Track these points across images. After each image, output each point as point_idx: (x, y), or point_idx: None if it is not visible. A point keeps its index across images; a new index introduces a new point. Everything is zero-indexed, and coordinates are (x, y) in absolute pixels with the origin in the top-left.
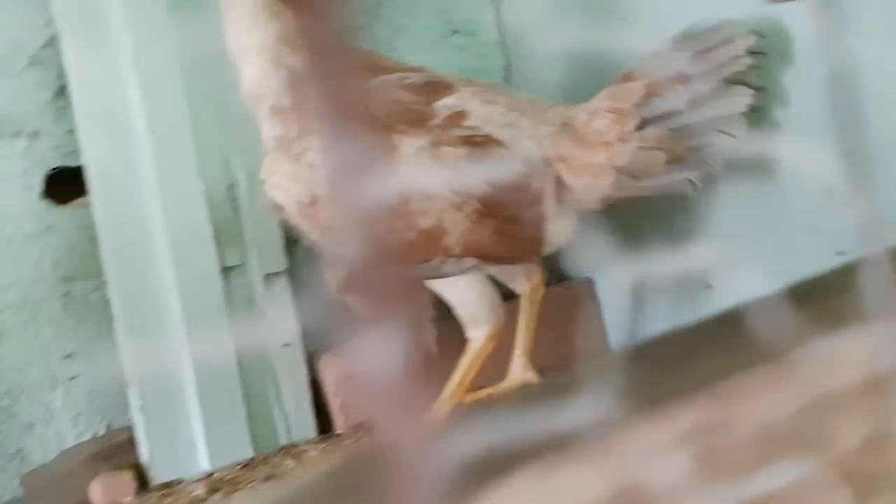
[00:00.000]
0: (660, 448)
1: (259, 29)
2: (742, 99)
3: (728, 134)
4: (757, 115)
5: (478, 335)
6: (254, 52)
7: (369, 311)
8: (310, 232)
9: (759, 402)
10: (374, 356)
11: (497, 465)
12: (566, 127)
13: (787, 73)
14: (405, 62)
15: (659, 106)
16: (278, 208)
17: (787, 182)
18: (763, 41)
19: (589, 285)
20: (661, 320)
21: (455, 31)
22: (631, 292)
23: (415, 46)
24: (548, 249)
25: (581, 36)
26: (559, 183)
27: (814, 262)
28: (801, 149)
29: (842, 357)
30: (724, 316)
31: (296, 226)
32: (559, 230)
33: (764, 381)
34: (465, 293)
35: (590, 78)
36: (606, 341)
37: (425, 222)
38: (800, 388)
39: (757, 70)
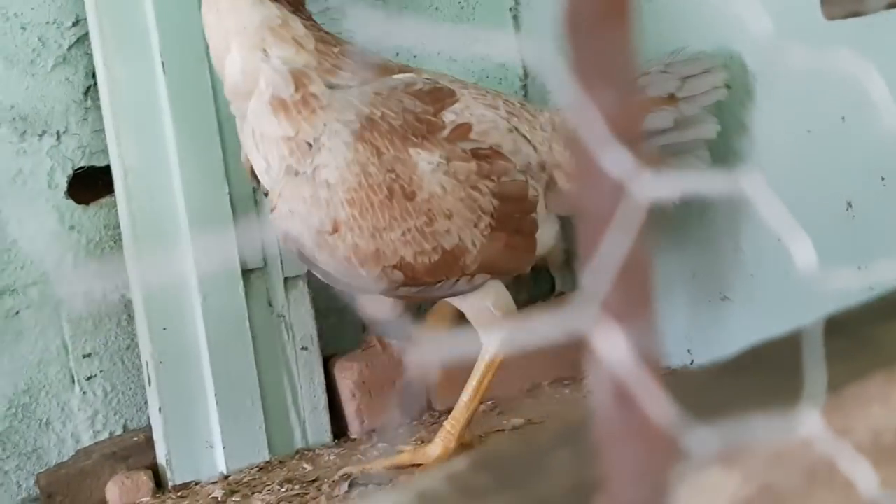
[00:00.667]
0: (789, 453)
1: (241, 13)
2: (712, 127)
3: (697, 158)
4: (722, 145)
5: (492, 342)
6: (235, 39)
7: (622, 305)
8: (326, 263)
9: (875, 410)
10: (619, 349)
11: None
12: (558, 133)
13: (747, 106)
14: (398, 62)
15: (648, 123)
16: (291, 239)
17: (807, 195)
18: (731, 75)
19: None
20: (679, 333)
21: (475, 40)
22: None
23: (435, 53)
24: (537, 257)
25: None
26: (549, 188)
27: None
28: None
29: None
30: (830, 322)
31: (309, 257)
32: (545, 236)
33: (880, 388)
34: (480, 302)
35: None
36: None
37: (449, 243)
38: None
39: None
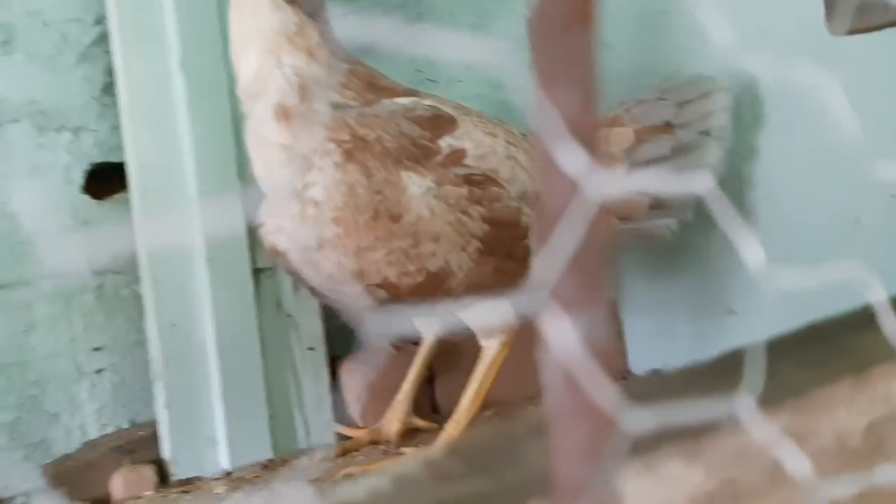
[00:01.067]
0: (753, 449)
1: (260, 19)
2: (715, 151)
3: (700, 184)
4: (728, 169)
5: (491, 345)
6: (252, 43)
7: (571, 293)
8: (311, 278)
9: (841, 413)
10: (567, 334)
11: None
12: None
13: (758, 129)
14: (404, 85)
15: (646, 152)
16: (279, 255)
17: (816, 211)
18: (733, 97)
19: (611, 308)
20: (683, 346)
21: None
22: (653, 317)
23: (452, 61)
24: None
25: (613, 56)
26: None
27: (839, 292)
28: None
29: None
30: (807, 330)
31: (296, 272)
32: None
33: (847, 393)
34: (479, 307)
35: (621, 97)
36: (626, 364)
37: (434, 265)
38: (877, 403)
39: (727, 125)
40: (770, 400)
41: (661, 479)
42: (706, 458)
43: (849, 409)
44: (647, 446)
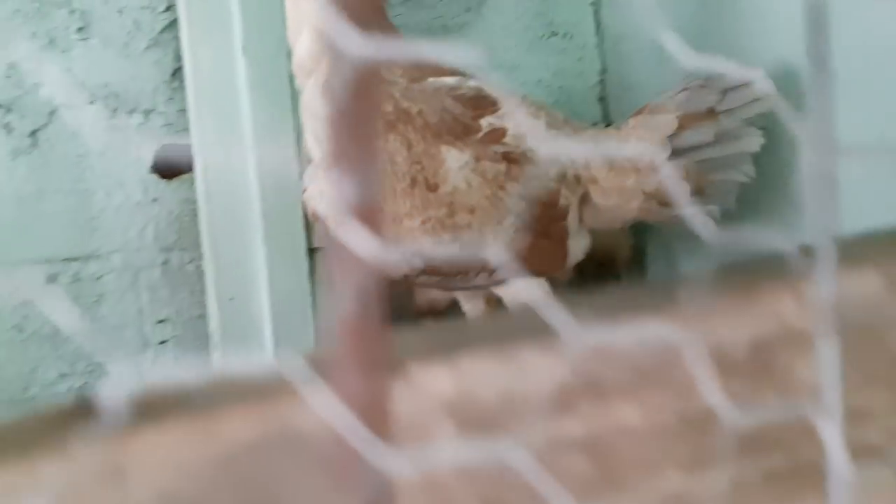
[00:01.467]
0: (620, 350)
1: (312, 3)
2: (756, 140)
3: (742, 172)
4: (770, 158)
5: None
6: (305, 25)
7: (344, 157)
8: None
9: (716, 323)
10: (344, 189)
11: (456, 343)
12: (598, 149)
13: (799, 116)
14: (451, 66)
15: (689, 138)
16: (319, 220)
17: (877, 201)
18: (776, 86)
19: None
20: None
21: (554, 34)
22: None
23: (513, 46)
24: (568, 266)
25: (679, 44)
26: (583, 201)
27: None
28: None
29: (812, 298)
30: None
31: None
32: (574, 248)
33: (724, 305)
34: (513, 287)
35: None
36: None
37: (469, 236)
38: (764, 319)
39: (769, 113)
40: (642, 306)
41: (518, 370)
42: (566, 354)
43: (729, 320)
44: (505, 339)
